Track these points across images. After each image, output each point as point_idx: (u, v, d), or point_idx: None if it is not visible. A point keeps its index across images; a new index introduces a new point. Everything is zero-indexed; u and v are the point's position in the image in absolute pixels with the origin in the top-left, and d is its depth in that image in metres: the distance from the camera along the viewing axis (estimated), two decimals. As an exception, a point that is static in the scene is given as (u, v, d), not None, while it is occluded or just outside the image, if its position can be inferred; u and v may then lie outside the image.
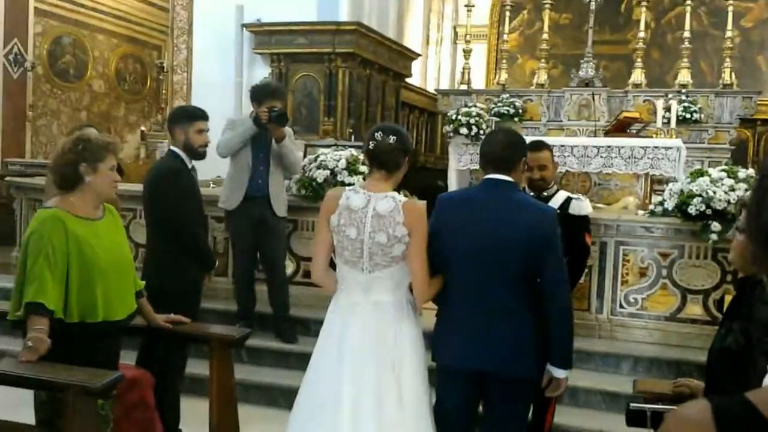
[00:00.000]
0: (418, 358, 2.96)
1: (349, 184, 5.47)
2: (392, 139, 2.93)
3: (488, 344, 2.88)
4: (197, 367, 4.35)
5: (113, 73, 10.56)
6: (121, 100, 10.69)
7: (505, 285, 2.88)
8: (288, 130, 5.20)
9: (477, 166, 8.10)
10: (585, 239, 3.93)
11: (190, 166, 4.11)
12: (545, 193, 3.89)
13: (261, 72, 9.41)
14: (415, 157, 3.29)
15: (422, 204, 2.95)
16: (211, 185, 6.80)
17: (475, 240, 2.89)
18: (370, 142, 2.97)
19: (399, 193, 3.01)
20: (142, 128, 10.72)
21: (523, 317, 2.91)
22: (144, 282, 3.44)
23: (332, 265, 3.11)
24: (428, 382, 2.99)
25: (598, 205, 7.71)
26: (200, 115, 4.15)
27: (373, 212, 2.87)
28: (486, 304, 2.89)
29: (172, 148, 4.15)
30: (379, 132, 2.98)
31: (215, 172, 6.95)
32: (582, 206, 3.91)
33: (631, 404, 2.42)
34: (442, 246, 2.94)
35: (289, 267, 5.78)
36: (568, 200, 3.89)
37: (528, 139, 3.62)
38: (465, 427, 3.04)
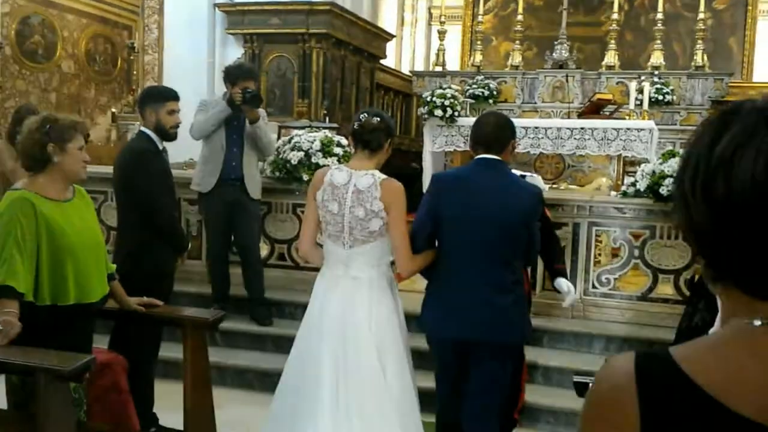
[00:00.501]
0: (397, 332, 3.15)
1: (324, 166, 5.44)
2: (375, 120, 3.15)
3: (476, 314, 3.09)
4: (171, 351, 4.33)
5: (83, 54, 10.37)
6: (91, 82, 10.51)
7: (494, 258, 3.10)
8: (261, 111, 5.16)
9: (452, 148, 8.12)
10: (545, 213, 3.77)
11: (161, 148, 4.06)
12: None
13: (233, 52, 9.30)
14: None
15: (399, 183, 3.12)
16: (184, 167, 6.74)
17: (469, 216, 3.09)
18: (355, 123, 3.20)
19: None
20: (113, 110, 10.57)
21: (508, 288, 3.14)
22: (115, 265, 3.41)
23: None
24: (409, 355, 3.20)
25: (571, 186, 7.77)
26: (171, 96, 4.10)
27: (354, 188, 3.07)
28: (476, 276, 3.09)
29: (142, 129, 4.09)
30: (364, 113, 3.22)
31: (187, 154, 6.87)
32: (536, 183, 3.76)
33: (575, 377, 2.49)
34: (435, 222, 3.15)
35: (264, 249, 5.76)
36: (520, 178, 3.82)
37: None
38: (457, 392, 3.25)
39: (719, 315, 0.96)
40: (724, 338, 0.89)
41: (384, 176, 3.12)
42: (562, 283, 3.77)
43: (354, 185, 3.08)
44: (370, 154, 3.16)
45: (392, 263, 3.26)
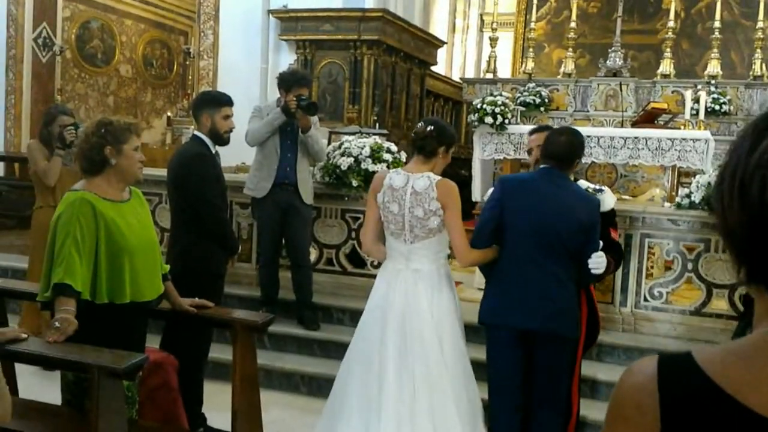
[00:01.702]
0: (455, 321, 3.42)
1: (373, 172, 5.47)
2: (429, 128, 3.42)
3: (536, 306, 3.32)
4: (221, 352, 4.40)
5: (140, 58, 10.61)
6: (147, 86, 10.75)
7: (553, 258, 3.33)
8: (313, 118, 5.20)
9: (501, 156, 8.06)
10: (610, 235, 3.73)
11: (213, 152, 4.13)
12: None
13: (286, 58, 9.40)
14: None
15: (453, 183, 3.39)
16: (236, 171, 6.83)
17: (531, 219, 3.33)
18: (414, 130, 3.53)
19: None
20: (168, 114, 10.78)
21: (564, 285, 3.37)
22: (168, 266, 3.47)
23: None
24: (465, 344, 3.47)
25: (624, 196, 7.64)
26: (226, 101, 4.17)
27: (412, 190, 3.35)
28: (536, 273, 3.33)
29: (195, 133, 4.17)
30: (422, 122, 3.53)
31: (239, 158, 6.98)
32: (602, 201, 3.66)
33: None
34: (499, 221, 3.38)
35: (312, 254, 5.80)
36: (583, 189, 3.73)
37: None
38: (516, 384, 3.44)
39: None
40: (749, 344, 0.89)
41: (439, 177, 3.39)
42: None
43: (412, 187, 3.36)
44: (425, 159, 3.44)
45: (449, 257, 3.53)
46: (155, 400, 3.39)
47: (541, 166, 3.49)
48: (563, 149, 3.46)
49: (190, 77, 10.88)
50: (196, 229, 4.02)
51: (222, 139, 4.12)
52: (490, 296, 3.51)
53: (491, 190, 3.70)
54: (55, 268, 2.87)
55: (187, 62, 10.90)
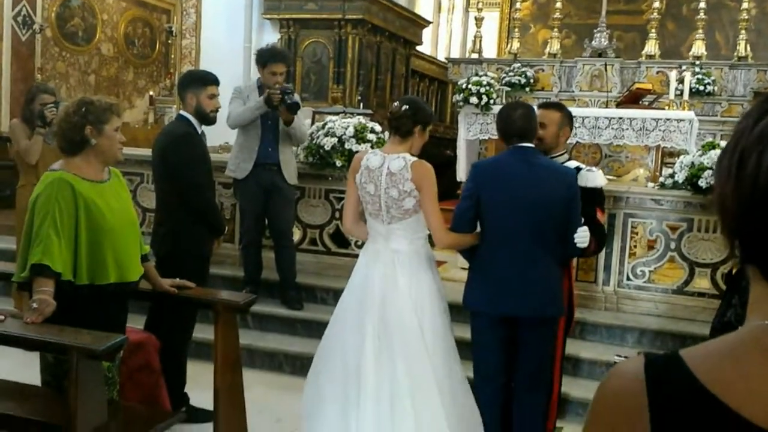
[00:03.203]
0: (435, 302, 3.39)
1: (357, 152, 5.44)
2: (404, 107, 3.37)
3: (521, 291, 3.32)
4: (204, 332, 4.38)
5: (122, 37, 10.48)
6: (129, 65, 10.61)
7: (534, 238, 3.31)
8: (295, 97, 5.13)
9: (486, 136, 8.04)
10: (596, 214, 3.66)
11: (200, 131, 4.08)
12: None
13: (270, 37, 9.32)
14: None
15: (428, 164, 3.34)
16: (219, 151, 6.78)
17: (508, 201, 3.31)
18: (390, 110, 3.49)
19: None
20: (151, 93, 10.66)
21: (548, 265, 3.37)
22: (149, 246, 3.44)
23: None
24: (450, 324, 3.45)
25: (608, 177, 7.65)
26: (212, 80, 4.11)
27: (387, 171, 3.32)
28: (518, 256, 3.32)
29: (181, 112, 4.12)
30: (397, 101, 3.49)
31: (223, 138, 6.93)
32: (591, 177, 3.67)
33: (615, 356, 2.47)
34: (476, 207, 3.38)
35: (296, 234, 5.78)
36: (576, 170, 3.66)
37: None
38: (500, 367, 3.47)
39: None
40: (740, 341, 0.84)
41: (414, 158, 3.34)
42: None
43: (387, 168, 3.32)
44: (401, 140, 3.39)
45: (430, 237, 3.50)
46: (137, 380, 3.38)
47: (512, 146, 3.43)
48: (524, 123, 3.41)
49: (172, 56, 10.76)
50: (182, 209, 3.98)
51: (208, 119, 4.07)
52: (474, 282, 3.49)
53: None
54: (33, 249, 2.84)
55: (170, 41, 10.78)
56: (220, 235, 4.31)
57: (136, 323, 3.58)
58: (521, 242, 3.31)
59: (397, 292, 3.31)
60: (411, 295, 3.31)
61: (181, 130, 4.04)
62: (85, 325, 2.77)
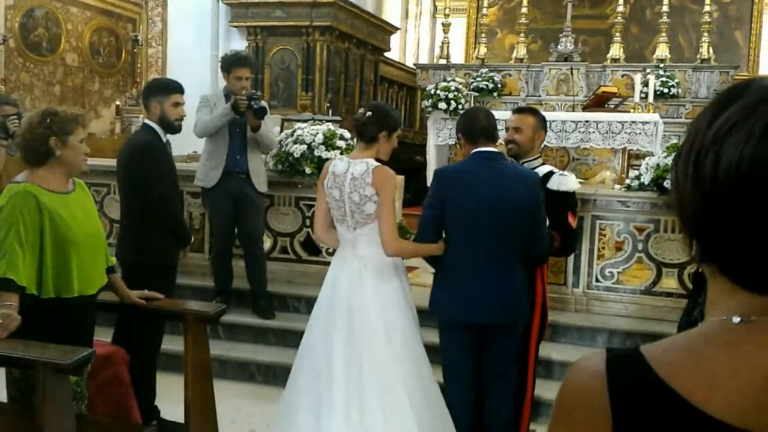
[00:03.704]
0: (403, 309, 3.38)
1: (327, 159, 5.44)
2: (368, 114, 3.38)
3: (488, 297, 3.31)
4: (173, 344, 4.34)
5: (87, 47, 10.36)
6: (95, 74, 10.50)
7: (499, 244, 3.30)
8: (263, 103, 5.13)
9: (454, 142, 8.07)
10: (567, 219, 3.70)
11: (165, 140, 4.05)
12: (525, 164, 3.74)
13: (237, 45, 9.27)
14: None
15: (391, 170, 3.35)
16: (187, 160, 6.73)
17: (473, 208, 3.28)
18: (355, 116, 3.52)
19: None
20: (117, 103, 10.56)
21: (514, 270, 3.36)
22: (115, 258, 3.41)
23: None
24: (418, 331, 3.45)
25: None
26: (176, 88, 4.08)
27: (351, 176, 3.33)
28: (483, 264, 3.30)
29: (146, 121, 4.08)
30: (363, 108, 3.51)
31: (190, 147, 6.88)
32: (563, 181, 3.70)
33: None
34: (441, 215, 3.36)
35: (267, 243, 5.75)
36: (549, 174, 3.72)
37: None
38: (469, 371, 3.46)
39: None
40: (700, 336, 0.85)
41: (377, 164, 3.35)
42: None
43: (351, 173, 3.33)
44: (366, 145, 3.40)
45: None
46: (106, 394, 3.33)
47: (475, 151, 3.40)
48: (489, 122, 3.43)
49: (138, 65, 10.67)
50: (147, 220, 3.95)
51: (173, 127, 4.04)
52: (439, 290, 3.47)
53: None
54: (-3, 262, 2.79)
55: (136, 50, 10.69)
56: (186, 244, 4.28)
57: (103, 336, 3.53)
58: (488, 248, 3.29)
59: (363, 298, 3.30)
60: (377, 302, 3.31)
61: (144, 139, 4.00)
62: (52, 339, 2.73)
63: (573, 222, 3.80)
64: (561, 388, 0.90)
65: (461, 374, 3.47)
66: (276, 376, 4.82)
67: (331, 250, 5.65)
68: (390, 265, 3.40)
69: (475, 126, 3.43)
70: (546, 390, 4.40)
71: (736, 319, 0.82)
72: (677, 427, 0.80)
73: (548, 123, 7.42)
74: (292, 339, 5.11)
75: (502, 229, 3.29)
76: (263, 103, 5.03)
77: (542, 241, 3.44)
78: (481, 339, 3.44)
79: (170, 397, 3.87)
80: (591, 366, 0.87)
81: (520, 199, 3.31)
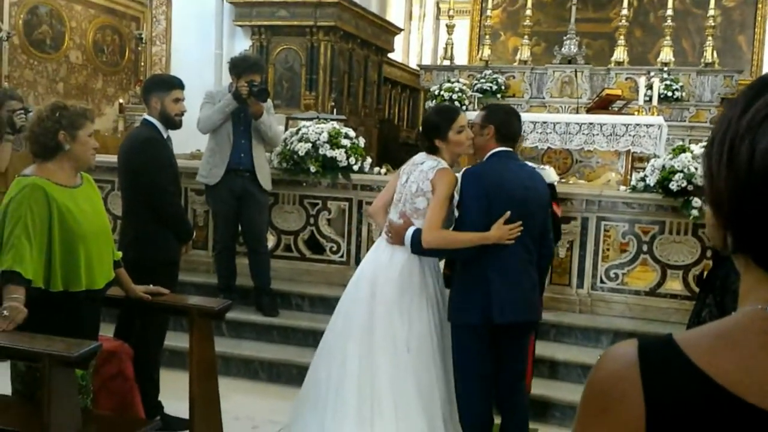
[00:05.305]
0: (424, 305, 3.45)
1: (331, 158, 5.44)
2: (418, 129, 3.76)
3: (518, 298, 3.30)
4: (178, 340, 4.33)
5: (91, 45, 10.35)
6: (98, 72, 10.49)
7: (529, 242, 3.32)
8: (266, 104, 5.12)
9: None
10: (553, 209, 3.82)
11: (165, 136, 4.04)
12: None
13: (241, 44, 9.28)
14: (434, 134, 3.56)
15: (453, 174, 3.42)
16: (190, 158, 6.72)
17: (514, 206, 3.26)
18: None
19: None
20: (121, 101, 10.55)
21: (534, 270, 3.40)
22: (121, 253, 3.40)
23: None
24: (439, 332, 3.48)
25: (579, 181, 7.73)
26: (176, 84, 4.08)
27: (420, 168, 3.49)
28: (517, 262, 3.30)
29: (146, 117, 4.08)
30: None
31: (194, 145, 6.87)
32: (545, 175, 3.81)
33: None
34: (489, 207, 3.29)
35: (270, 240, 5.74)
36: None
37: None
38: (491, 365, 3.38)
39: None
40: (734, 324, 0.85)
41: (445, 165, 3.45)
42: None
43: (421, 165, 3.50)
44: (430, 154, 3.52)
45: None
46: (110, 389, 3.32)
47: (499, 149, 3.37)
48: (519, 127, 3.52)
49: (142, 63, 10.66)
50: (149, 215, 3.94)
51: (173, 123, 4.03)
52: (469, 296, 3.33)
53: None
54: (4, 255, 2.79)
55: (139, 48, 10.67)
56: (187, 240, 4.27)
57: (104, 331, 3.52)
58: (519, 248, 3.28)
59: (388, 276, 3.42)
60: (402, 288, 3.41)
61: (145, 134, 4.00)
62: (58, 333, 2.72)
63: (559, 211, 4.06)
64: (591, 377, 0.88)
65: (483, 372, 3.37)
66: (279, 373, 4.82)
67: (334, 249, 5.67)
68: (423, 262, 3.48)
69: (512, 127, 3.46)
70: (551, 390, 4.40)
71: None
72: (713, 413, 0.80)
73: (553, 125, 7.50)
74: (295, 337, 5.11)
75: (531, 227, 3.32)
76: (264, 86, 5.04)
77: (550, 234, 3.56)
78: (499, 338, 3.36)
79: (174, 393, 3.86)
80: (624, 353, 0.87)
81: (541, 195, 3.41)
